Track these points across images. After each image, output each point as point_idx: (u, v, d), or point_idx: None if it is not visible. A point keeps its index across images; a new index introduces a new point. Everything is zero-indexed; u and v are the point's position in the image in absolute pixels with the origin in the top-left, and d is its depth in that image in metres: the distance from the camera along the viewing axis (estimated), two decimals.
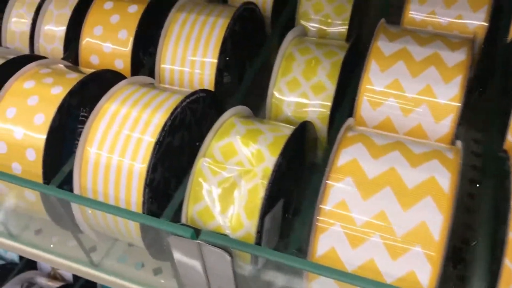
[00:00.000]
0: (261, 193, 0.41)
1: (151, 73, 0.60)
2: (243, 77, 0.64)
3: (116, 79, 0.54)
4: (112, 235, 0.49)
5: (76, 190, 0.46)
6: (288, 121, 0.52)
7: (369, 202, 0.38)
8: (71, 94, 0.48)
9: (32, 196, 0.49)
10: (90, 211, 0.46)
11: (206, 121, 0.52)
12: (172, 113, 0.45)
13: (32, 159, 0.47)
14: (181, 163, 0.49)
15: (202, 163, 0.43)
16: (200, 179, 0.43)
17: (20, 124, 0.48)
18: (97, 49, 0.59)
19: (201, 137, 0.51)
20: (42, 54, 0.62)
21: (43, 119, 0.47)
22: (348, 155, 0.41)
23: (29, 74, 0.52)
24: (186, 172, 0.50)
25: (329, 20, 0.61)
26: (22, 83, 0.50)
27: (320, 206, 0.39)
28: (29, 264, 0.88)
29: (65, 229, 0.51)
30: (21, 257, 0.90)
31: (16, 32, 0.63)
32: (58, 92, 0.49)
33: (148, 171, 0.43)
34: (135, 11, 0.59)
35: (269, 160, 0.42)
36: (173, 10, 0.58)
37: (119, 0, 0.60)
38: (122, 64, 0.58)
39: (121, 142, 0.45)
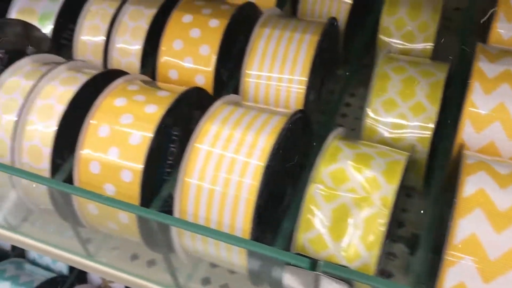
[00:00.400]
0: (381, 223, 0.40)
1: (231, 88, 0.58)
2: (321, 94, 0.63)
3: (203, 97, 0.52)
4: (207, 259, 0.47)
5: (176, 214, 0.45)
6: (384, 142, 0.50)
7: (502, 235, 0.37)
8: (168, 113, 0.47)
9: (125, 219, 0.47)
10: (190, 236, 0.45)
11: (299, 142, 0.50)
12: (279, 136, 0.43)
13: (128, 181, 0.46)
14: (278, 187, 0.47)
15: (315, 190, 0.42)
16: (312, 206, 0.41)
17: (115, 144, 0.46)
18: (177, 64, 0.58)
19: (293, 159, 0.50)
20: (115, 67, 0.61)
21: (140, 139, 0.46)
22: (473, 184, 0.39)
23: (118, 90, 0.50)
24: (282, 196, 0.49)
25: (412, 37, 0.60)
26: (113, 100, 0.49)
27: (448, 239, 0.37)
28: (79, 277, 0.87)
29: (157, 252, 0.49)
30: (70, 269, 0.88)
31: (88, 44, 0.62)
32: (154, 111, 0.47)
33: (257, 197, 0.42)
34: (216, 25, 0.57)
35: (387, 188, 0.41)
36: (257, 25, 0.56)
37: (199, 14, 0.58)
38: (203, 80, 0.57)
39: (225, 165, 0.43)
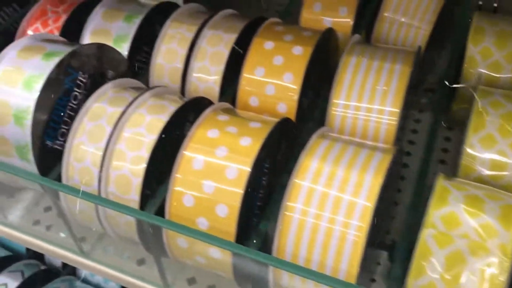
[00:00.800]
0: (501, 272, 0.38)
1: (312, 118, 0.57)
2: (404, 125, 0.61)
3: (290, 127, 0.51)
4: None
5: (274, 252, 0.43)
6: (481, 180, 0.48)
7: None
8: (263, 147, 0.45)
9: (217, 254, 0.46)
10: (288, 276, 0.43)
11: (393, 179, 0.49)
12: (385, 175, 0.42)
13: (223, 216, 0.44)
14: (375, 227, 0.46)
15: (427, 235, 0.40)
16: (425, 252, 0.40)
17: (210, 177, 0.45)
18: (258, 91, 0.56)
19: (388, 197, 0.48)
20: (193, 92, 0.60)
21: (237, 173, 0.45)
22: None
23: (208, 121, 0.49)
24: (376, 237, 0.47)
25: (499, 67, 0.58)
26: (205, 131, 0.48)
27: None
28: None
29: (245, 287, 0.48)
30: None
31: (165, 68, 0.61)
32: (249, 144, 0.46)
33: (365, 240, 0.40)
34: (300, 53, 0.56)
35: (504, 235, 0.39)
36: (344, 54, 0.55)
37: (281, 41, 0.57)
38: (285, 108, 0.55)
39: (329, 204, 0.42)
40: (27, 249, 0.93)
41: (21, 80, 0.50)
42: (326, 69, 0.62)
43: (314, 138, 0.46)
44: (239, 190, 0.44)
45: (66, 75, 0.51)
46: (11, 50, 0.52)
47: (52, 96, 0.50)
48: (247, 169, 0.44)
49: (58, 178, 0.51)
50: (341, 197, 0.42)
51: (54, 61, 0.50)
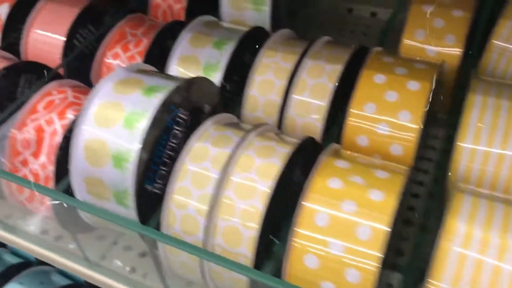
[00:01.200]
0: None
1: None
2: None
3: (412, 175, 0.46)
4: None
5: None
6: None
7: None
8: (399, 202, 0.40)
9: None
10: None
11: None
12: None
13: (354, 282, 0.39)
14: None
15: None
16: None
17: (338, 236, 0.40)
18: (367, 129, 0.51)
19: None
20: (290, 128, 0.55)
21: (372, 233, 0.39)
22: None
23: (326, 167, 0.44)
24: None
25: None
26: (325, 180, 0.43)
27: None
28: None
29: None
30: None
31: (259, 100, 0.56)
32: (382, 199, 0.40)
33: None
34: (418, 89, 0.50)
35: None
36: (469, 92, 0.50)
37: (392, 74, 0.52)
38: (401, 150, 0.50)
39: (486, 273, 0.36)
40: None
41: (122, 118, 0.45)
42: (432, 105, 0.57)
43: (458, 196, 0.41)
44: (376, 253, 0.39)
45: (169, 113, 0.46)
46: (106, 83, 0.48)
47: (155, 136, 0.45)
48: (385, 228, 0.39)
49: (157, 226, 0.46)
50: (500, 267, 0.36)
51: (157, 98, 0.45)
